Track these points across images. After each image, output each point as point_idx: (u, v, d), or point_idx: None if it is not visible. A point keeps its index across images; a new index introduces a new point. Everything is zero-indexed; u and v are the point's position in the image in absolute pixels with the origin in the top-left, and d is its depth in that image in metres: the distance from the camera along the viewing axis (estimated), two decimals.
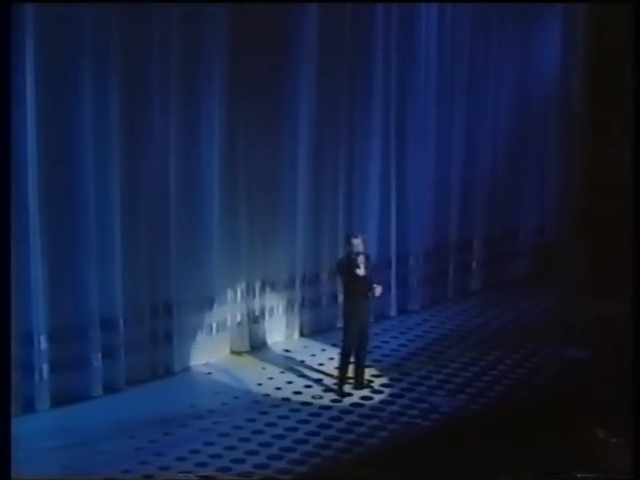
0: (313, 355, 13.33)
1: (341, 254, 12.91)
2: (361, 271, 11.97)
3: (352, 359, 12.23)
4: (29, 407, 11.31)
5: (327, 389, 12.24)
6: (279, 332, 13.80)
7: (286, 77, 13.30)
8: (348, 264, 12.06)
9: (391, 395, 12.17)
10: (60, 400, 11.50)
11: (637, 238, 11.01)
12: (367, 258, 12.13)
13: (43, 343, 11.35)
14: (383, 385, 12.43)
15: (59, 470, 10.09)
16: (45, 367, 11.39)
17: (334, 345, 13.01)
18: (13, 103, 10.72)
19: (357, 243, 12.08)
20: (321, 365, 12.98)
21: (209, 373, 12.75)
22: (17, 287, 10.97)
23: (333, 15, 13.57)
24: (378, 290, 12.27)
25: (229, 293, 13.16)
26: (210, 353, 12.99)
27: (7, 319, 8.79)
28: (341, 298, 12.92)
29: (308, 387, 12.37)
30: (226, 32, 12.51)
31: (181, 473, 10.14)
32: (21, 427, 10.88)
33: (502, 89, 16.06)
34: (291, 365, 13.02)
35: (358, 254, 12.01)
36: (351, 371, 12.25)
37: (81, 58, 11.34)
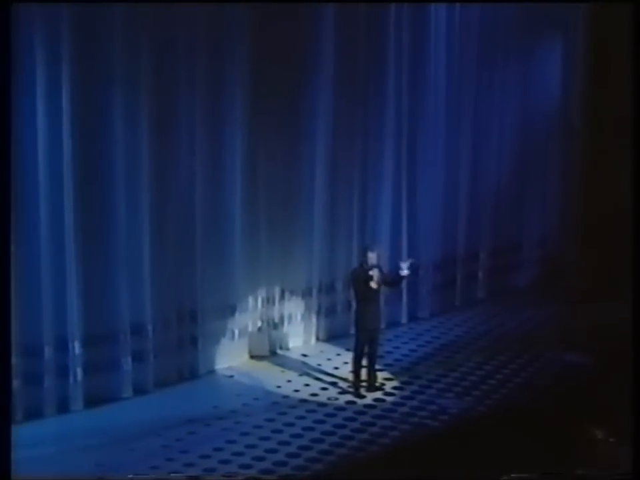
0: (329, 359, 13.35)
1: (355, 265, 12.94)
2: (374, 284, 12.03)
3: (364, 363, 12.29)
4: (64, 407, 11.36)
5: (342, 391, 12.28)
6: (297, 337, 13.81)
7: (303, 100, 13.33)
8: (362, 275, 12.09)
9: (402, 397, 12.19)
10: (93, 401, 11.55)
11: (637, 251, 10.98)
12: (380, 271, 12.18)
13: (77, 348, 11.41)
14: (395, 388, 12.45)
15: (92, 467, 10.12)
16: (79, 370, 11.45)
17: (348, 350, 12.98)
18: (48, 114, 10.92)
19: (372, 257, 12.13)
20: (336, 368, 12.99)
21: (231, 376, 12.76)
22: (54, 296, 11.18)
23: (348, 38, 13.61)
24: (405, 269, 12.30)
25: (250, 300, 13.20)
26: (232, 357, 13.01)
27: (7, 328, 8.64)
28: (354, 306, 12.93)
29: (324, 389, 12.40)
30: (246, 58, 12.56)
31: (205, 470, 10.18)
32: (56, 426, 11.07)
33: (506, 111, 16.05)
34: (307, 368, 13.04)
35: (372, 267, 12.07)
36: (364, 375, 12.30)
37: (114, 77, 11.43)
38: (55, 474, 9.55)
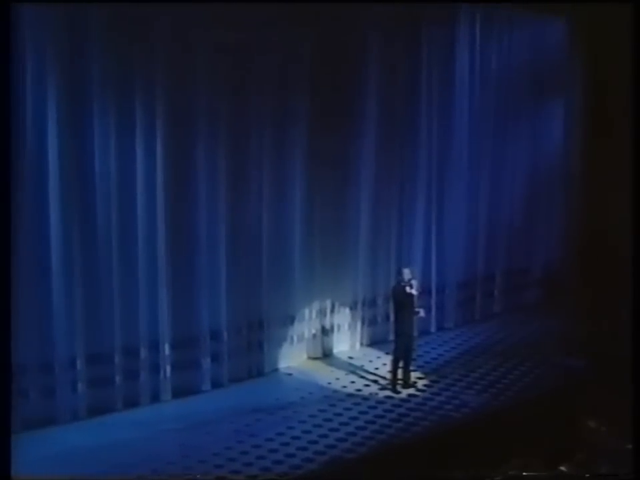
0: (371, 361, 13.29)
1: (392, 284, 12.94)
2: (413, 291, 12.03)
3: (400, 365, 12.26)
4: (155, 398, 11.47)
5: (382, 388, 12.26)
6: (344, 343, 13.74)
7: (350, 150, 13.30)
8: (401, 289, 12.10)
9: (431, 393, 12.14)
10: (179, 393, 11.62)
11: (636, 271, 10.81)
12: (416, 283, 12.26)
13: (166, 349, 11.51)
14: (425, 385, 12.41)
15: (177, 447, 10.20)
16: (168, 368, 11.54)
17: (387, 354, 12.96)
18: (145, 162, 11.13)
19: (407, 273, 12.18)
20: (376, 369, 12.95)
21: (291, 374, 12.76)
22: (148, 306, 11.32)
23: (387, 102, 13.59)
24: (422, 312, 12.34)
25: (306, 312, 13.16)
26: (292, 359, 12.99)
27: (7, 328, 7.67)
28: (392, 317, 12.92)
29: (367, 385, 12.37)
30: (305, 121, 12.60)
31: (269, 451, 10.19)
32: (149, 413, 11.18)
33: (518, 158, 15.88)
34: (353, 368, 13.00)
35: (409, 280, 12.10)
36: (400, 374, 12.25)
37: (199, 137, 11.59)
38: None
